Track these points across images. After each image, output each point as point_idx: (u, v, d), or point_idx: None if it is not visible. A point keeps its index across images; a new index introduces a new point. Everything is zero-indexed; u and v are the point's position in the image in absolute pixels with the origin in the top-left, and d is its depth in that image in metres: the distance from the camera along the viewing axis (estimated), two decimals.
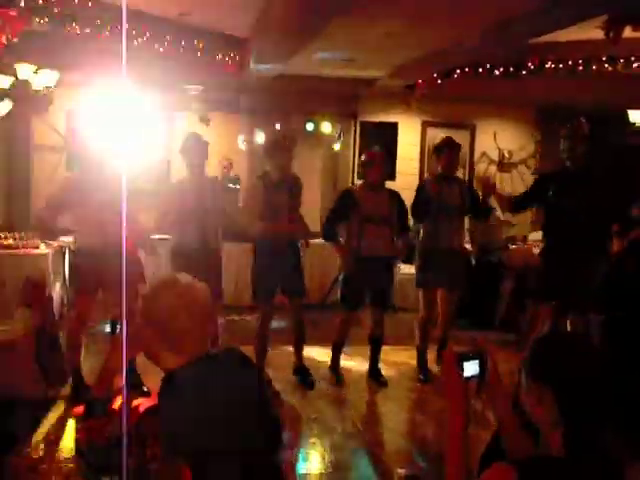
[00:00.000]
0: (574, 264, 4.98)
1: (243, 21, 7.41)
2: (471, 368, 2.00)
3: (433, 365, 6.03)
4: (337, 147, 10.01)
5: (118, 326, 5.28)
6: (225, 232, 5.84)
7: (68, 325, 5.47)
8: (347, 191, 6.10)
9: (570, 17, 5.46)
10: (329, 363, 5.89)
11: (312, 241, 6.70)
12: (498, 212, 8.30)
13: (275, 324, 5.78)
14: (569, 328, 5.28)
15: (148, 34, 7.42)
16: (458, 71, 8.46)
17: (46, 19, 6.80)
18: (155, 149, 9.38)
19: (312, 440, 4.60)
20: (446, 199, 5.75)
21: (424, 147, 10.64)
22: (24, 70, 6.16)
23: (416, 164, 10.68)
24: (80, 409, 2.26)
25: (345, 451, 4.43)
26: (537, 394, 1.80)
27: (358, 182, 8.50)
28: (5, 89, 6.11)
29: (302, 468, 4.21)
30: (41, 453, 4.11)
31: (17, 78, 6.17)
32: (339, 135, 9.91)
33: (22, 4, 6.28)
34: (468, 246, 6.37)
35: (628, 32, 5.74)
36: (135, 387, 5.22)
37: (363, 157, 5.84)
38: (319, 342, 6.45)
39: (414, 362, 6.06)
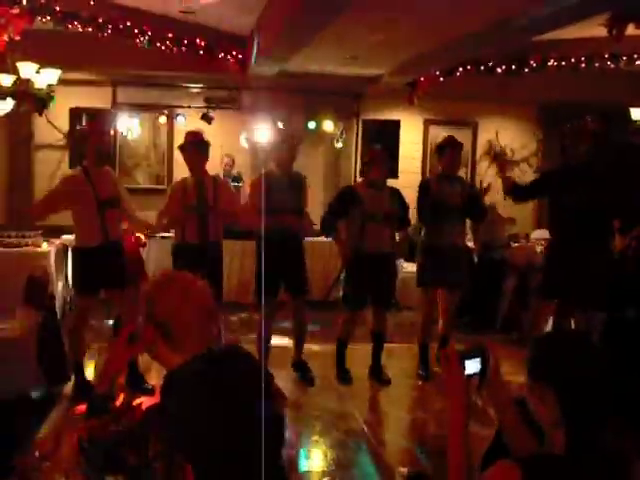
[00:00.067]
0: (576, 261, 4.97)
1: (245, 19, 7.41)
2: (473, 366, 2.00)
3: (434, 363, 6.02)
4: (339, 145, 10.01)
5: (120, 324, 5.28)
6: (227, 229, 5.85)
7: (70, 323, 5.47)
8: (348, 188, 6.09)
9: (573, 15, 5.46)
10: (334, 361, 5.88)
11: (315, 238, 6.71)
12: (500, 210, 8.31)
13: (277, 323, 5.78)
14: (573, 326, 5.28)
15: (150, 32, 7.43)
16: (460, 69, 8.46)
17: (48, 17, 6.81)
18: None
19: (314, 438, 4.60)
20: (448, 198, 5.74)
21: (426, 145, 10.65)
22: (26, 68, 6.16)
23: (418, 162, 10.69)
24: (83, 407, 2.26)
25: (348, 449, 4.42)
26: (539, 393, 1.80)
27: (359, 180, 8.51)
28: (7, 87, 6.10)
29: (304, 466, 4.21)
30: (44, 451, 4.12)
31: (19, 76, 6.17)
32: (341, 133, 9.91)
33: (24, 3, 6.30)
34: (470, 244, 6.36)
35: (631, 30, 5.74)
36: (137, 385, 5.24)
37: (365, 155, 5.84)
38: (323, 340, 6.46)
39: (417, 360, 6.05)
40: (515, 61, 8.44)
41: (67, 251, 7.23)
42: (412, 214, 5.98)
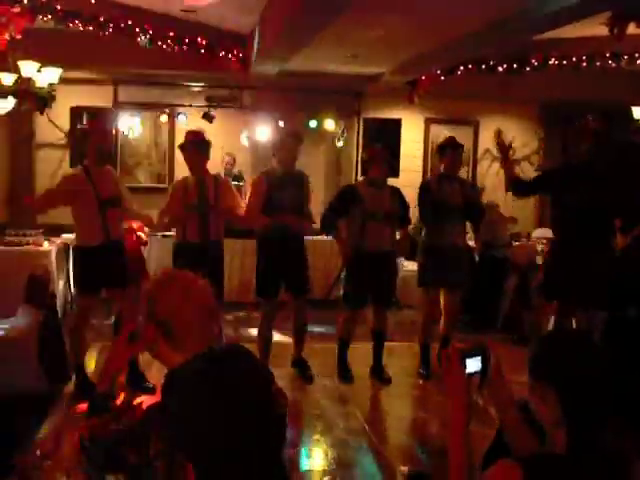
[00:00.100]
0: (577, 260, 4.97)
1: (246, 18, 7.41)
2: (473, 364, 1.99)
3: (435, 363, 6.02)
4: (340, 144, 10.00)
5: (121, 323, 5.28)
6: (228, 228, 5.85)
7: (71, 322, 5.47)
8: (349, 186, 6.10)
9: (574, 14, 5.45)
10: (335, 360, 5.88)
11: (316, 237, 6.70)
12: (502, 209, 8.31)
13: (277, 324, 5.77)
14: (574, 325, 5.28)
15: (151, 31, 7.43)
16: (461, 68, 8.46)
17: (49, 16, 6.81)
18: None
19: (315, 437, 4.60)
20: (448, 198, 5.74)
21: (427, 144, 10.64)
22: (27, 67, 6.16)
23: (419, 161, 10.67)
24: (84, 406, 2.26)
25: (348, 448, 4.43)
26: (540, 393, 1.80)
27: (360, 178, 8.51)
28: (8, 86, 6.10)
29: (305, 465, 4.21)
30: (45, 450, 4.12)
31: (20, 75, 6.17)
32: (342, 132, 9.91)
33: (25, 1, 6.29)
34: (471, 243, 6.35)
35: (632, 28, 5.73)
36: (138, 384, 5.24)
37: (365, 154, 5.83)
38: (324, 339, 6.47)
39: (418, 359, 6.05)
40: (516, 60, 8.43)
41: (68, 250, 7.25)
42: (413, 213, 5.98)
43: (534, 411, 1.85)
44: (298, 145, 5.60)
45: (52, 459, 3.84)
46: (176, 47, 7.69)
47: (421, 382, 5.82)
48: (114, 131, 8.87)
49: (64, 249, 7.38)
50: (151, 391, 4.93)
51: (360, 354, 5.98)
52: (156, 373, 5.20)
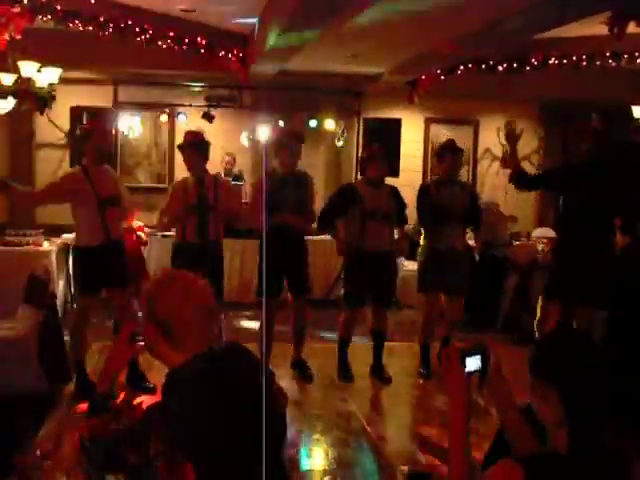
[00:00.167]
0: (578, 260, 4.96)
1: (246, 18, 7.41)
2: (473, 363, 1.99)
3: (435, 362, 6.01)
4: (340, 144, 10.01)
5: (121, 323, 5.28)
6: (228, 228, 5.85)
7: (72, 322, 5.47)
8: (349, 186, 6.10)
9: (574, 13, 5.45)
10: (335, 359, 5.88)
11: (316, 237, 6.70)
12: (502, 208, 8.31)
13: (277, 324, 5.77)
14: (575, 325, 5.27)
15: (151, 31, 7.43)
16: (461, 67, 8.45)
17: (49, 16, 6.81)
18: None
19: (316, 436, 4.60)
20: (447, 202, 5.74)
21: (427, 143, 10.64)
22: (27, 67, 6.16)
23: (419, 161, 10.68)
24: (84, 406, 2.26)
25: (349, 447, 4.42)
26: (542, 392, 1.79)
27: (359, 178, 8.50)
28: (8, 86, 6.10)
29: (306, 464, 4.21)
30: (45, 450, 4.12)
31: (20, 75, 6.17)
32: (342, 132, 9.91)
33: (25, 1, 6.29)
34: (471, 242, 6.35)
35: (632, 28, 5.73)
36: (138, 384, 5.24)
37: (363, 153, 5.82)
38: (324, 338, 6.46)
39: (417, 359, 6.05)
40: (516, 59, 8.43)
41: (68, 250, 7.24)
42: (411, 213, 5.98)
43: (535, 411, 1.85)
44: (299, 145, 5.60)
45: (52, 459, 3.84)
46: (176, 47, 7.69)
47: (421, 382, 5.82)
48: (114, 131, 8.88)
49: (64, 249, 7.37)
50: (151, 391, 4.93)
51: (360, 354, 5.98)
52: (156, 373, 5.20)
